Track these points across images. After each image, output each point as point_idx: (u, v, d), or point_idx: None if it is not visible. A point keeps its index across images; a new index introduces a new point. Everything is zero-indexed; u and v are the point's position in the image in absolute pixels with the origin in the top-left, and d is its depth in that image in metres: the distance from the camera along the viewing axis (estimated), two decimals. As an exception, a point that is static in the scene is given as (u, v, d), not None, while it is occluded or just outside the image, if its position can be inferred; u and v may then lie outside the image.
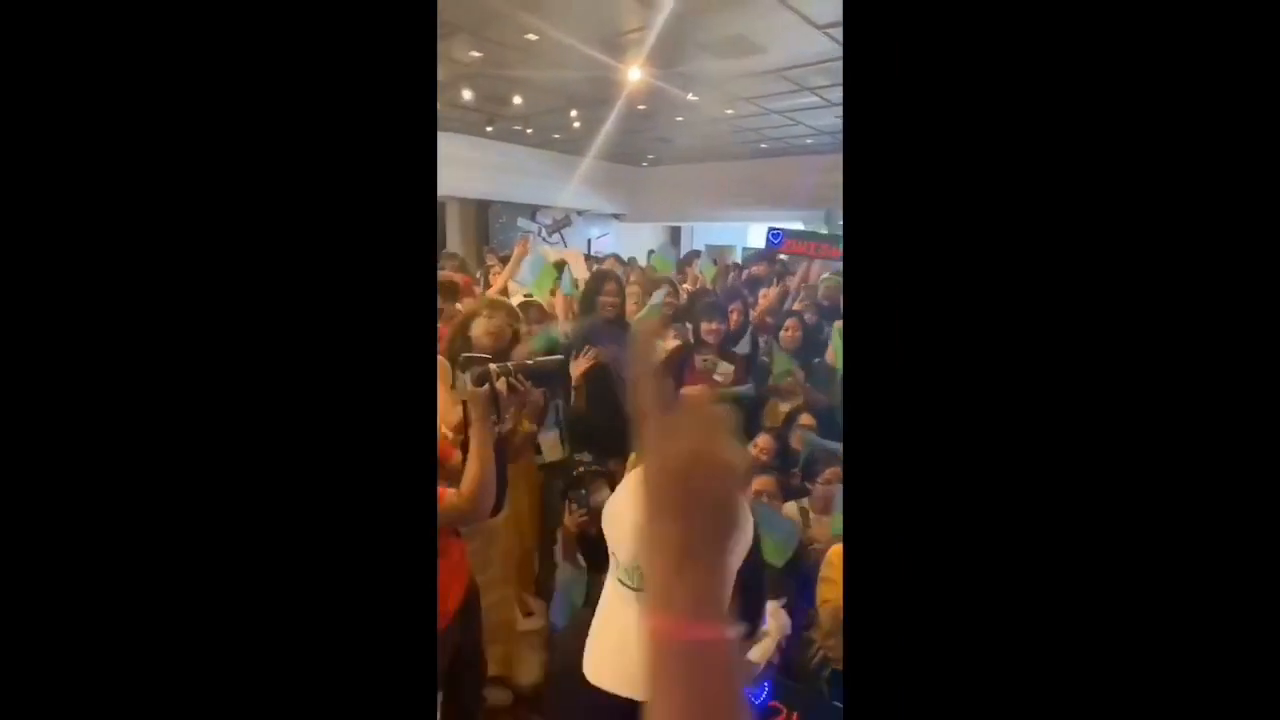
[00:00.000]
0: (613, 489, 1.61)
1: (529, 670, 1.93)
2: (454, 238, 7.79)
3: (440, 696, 1.46)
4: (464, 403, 1.39)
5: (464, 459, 1.24)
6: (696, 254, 6.78)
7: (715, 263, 4.83)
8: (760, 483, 1.68)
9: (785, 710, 1.01)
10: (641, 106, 5.31)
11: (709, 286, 3.88)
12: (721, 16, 3.35)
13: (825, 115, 5.25)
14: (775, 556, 1.33)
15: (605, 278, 2.37)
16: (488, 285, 3.57)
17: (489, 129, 6.49)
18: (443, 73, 4.52)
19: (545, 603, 1.96)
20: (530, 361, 1.32)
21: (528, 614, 2.04)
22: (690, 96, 4.94)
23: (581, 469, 1.62)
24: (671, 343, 2.58)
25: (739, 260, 6.48)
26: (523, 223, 8.28)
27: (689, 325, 2.69)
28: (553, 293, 2.79)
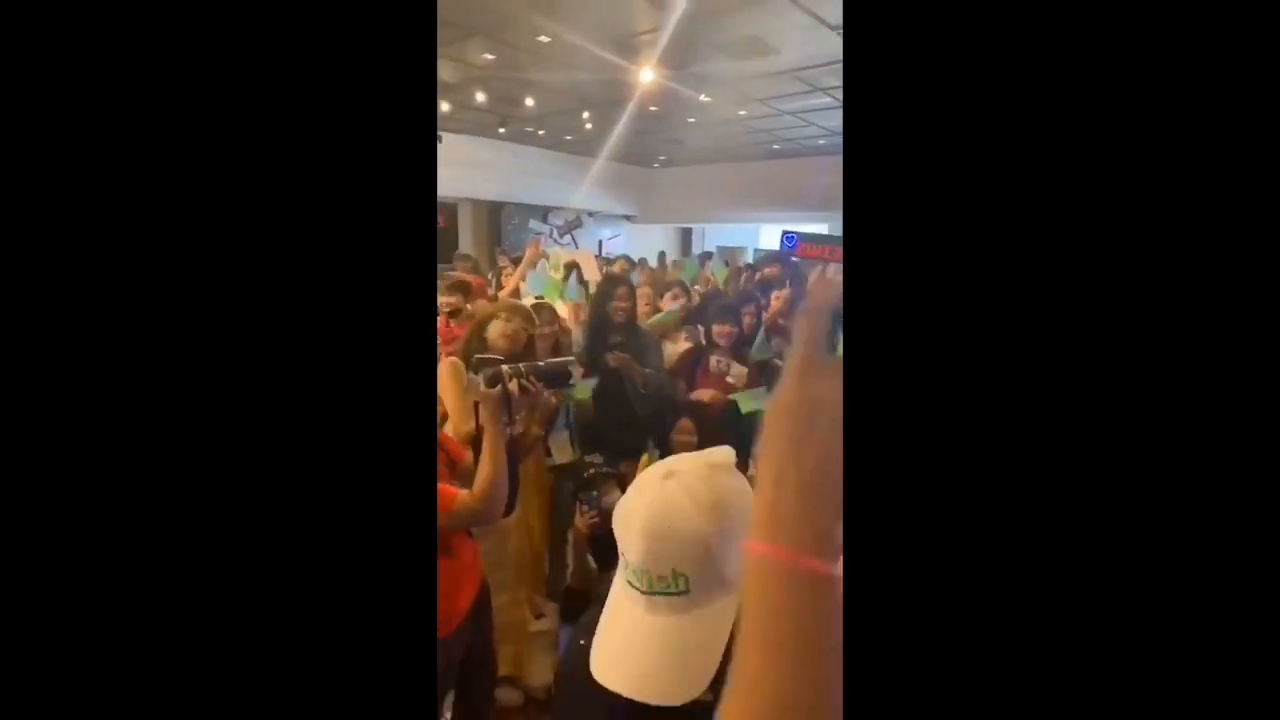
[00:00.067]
0: (623, 490, 1.61)
1: (540, 671, 1.93)
2: (466, 239, 7.85)
3: (451, 696, 1.47)
4: (476, 404, 1.39)
5: (476, 460, 1.24)
6: (708, 255, 6.78)
7: (727, 264, 4.82)
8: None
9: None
10: (654, 108, 5.31)
11: (721, 288, 3.87)
12: (734, 17, 3.35)
13: (838, 116, 5.23)
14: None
15: (616, 281, 2.37)
16: (499, 286, 3.59)
17: (501, 131, 6.53)
18: (456, 75, 4.56)
19: (556, 604, 1.97)
20: (542, 363, 1.33)
21: (539, 615, 2.05)
22: (703, 97, 4.94)
23: (592, 470, 1.62)
24: (683, 345, 2.58)
25: (751, 261, 6.46)
26: (534, 224, 8.31)
27: (700, 327, 2.68)
28: (560, 297, 2.80)
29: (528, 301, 2.44)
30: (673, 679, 0.52)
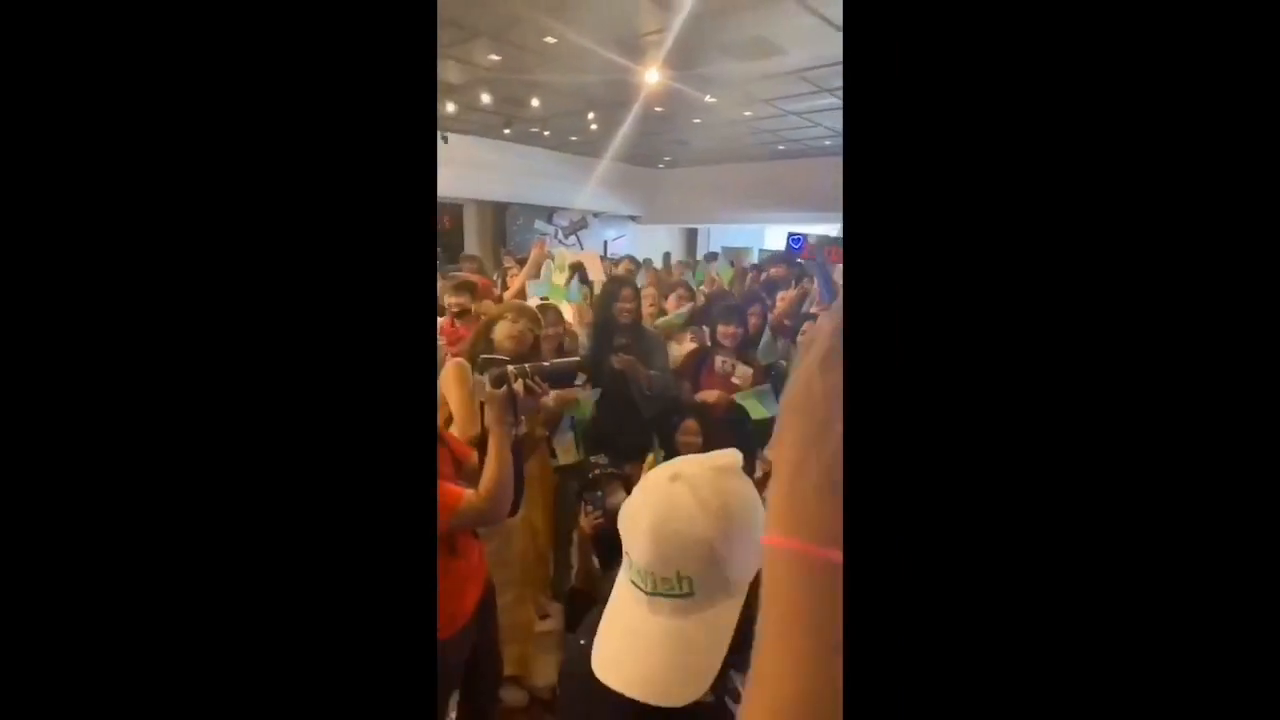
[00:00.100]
0: (628, 491, 1.61)
1: (545, 671, 1.94)
2: (471, 240, 7.87)
3: (456, 696, 1.47)
4: (482, 404, 1.40)
5: (481, 460, 1.24)
6: (714, 256, 6.77)
7: (732, 265, 4.82)
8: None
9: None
10: (659, 108, 5.32)
11: (726, 288, 3.87)
12: (740, 18, 3.35)
13: (844, 117, 5.22)
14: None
15: (621, 282, 2.37)
16: (505, 287, 3.60)
17: (507, 131, 6.55)
18: (462, 76, 4.57)
19: (561, 605, 1.97)
20: (547, 364, 1.33)
21: (544, 616, 2.05)
22: (708, 98, 4.94)
23: (597, 471, 1.62)
24: (688, 346, 2.58)
25: (756, 262, 6.45)
26: (540, 225, 8.33)
27: (705, 328, 2.68)
28: (563, 299, 2.80)
29: (533, 303, 2.45)
30: (673, 680, 0.52)
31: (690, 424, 1.99)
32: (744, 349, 2.32)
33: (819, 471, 0.29)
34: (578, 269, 3.11)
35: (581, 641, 0.63)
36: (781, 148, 7.07)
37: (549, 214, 8.55)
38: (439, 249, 6.69)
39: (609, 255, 6.63)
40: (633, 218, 9.63)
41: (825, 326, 0.32)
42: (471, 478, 1.31)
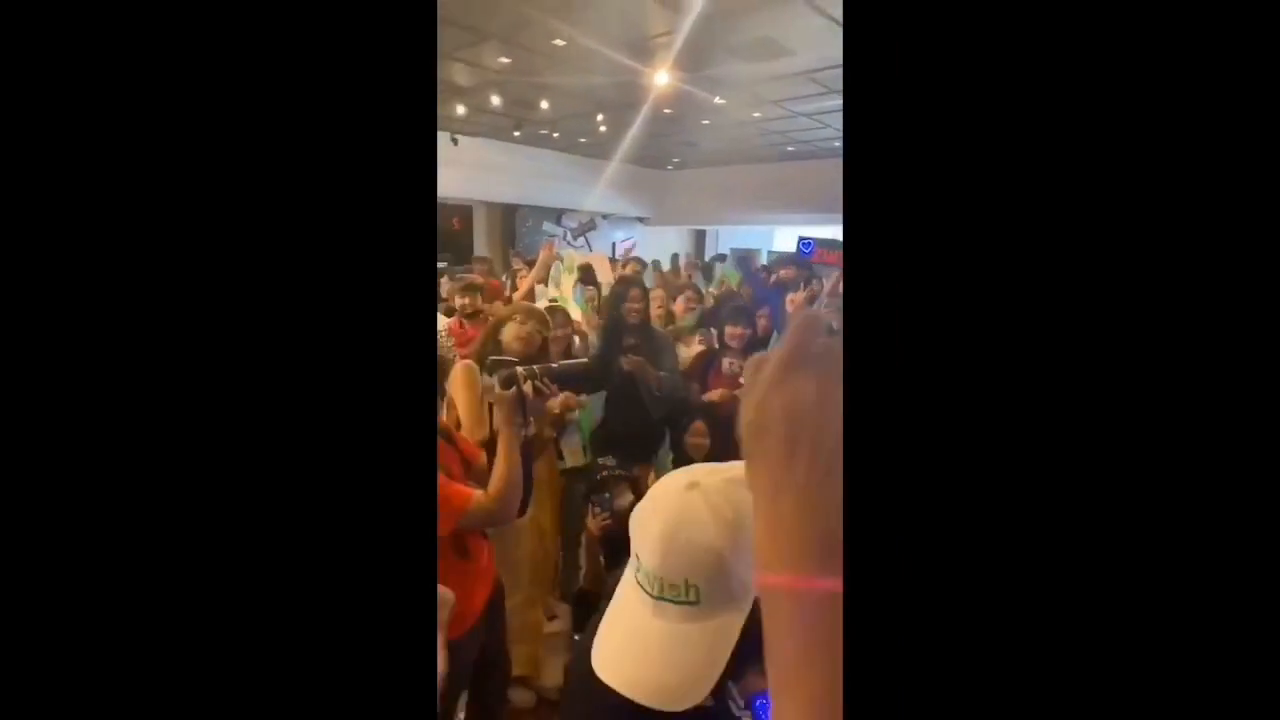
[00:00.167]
0: (635, 493, 1.62)
1: (553, 672, 1.94)
2: (480, 241, 7.90)
3: (465, 696, 1.48)
4: (490, 405, 1.40)
5: (490, 461, 1.25)
6: (722, 258, 6.76)
7: (740, 267, 4.81)
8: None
9: None
10: (668, 110, 5.32)
11: (735, 290, 3.86)
12: (749, 19, 3.34)
13: (853, 118, 5.20)
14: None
15: (629, 283, 2.37)
16: (514, 289, 3.61)
17: (516, 134, 6.57)
18: (471, 79, 4.59)
19: (568, 606, 1.97)
20: (556, 365, 1.34)
21: (551, 618, 2.06)
22: (717, 100, 4.94)
23: (605, 473, 1.63)
24: (696, 348, 2.58)
25: (765, 264, 6.44)
26: (549, 226, 8.36)
27: (713, 330, 2.68)
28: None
29: (542, 304, 2.45)
30: (672, 684, 0.52)
31: (699, 425, 1.99)
32: (752, 350, 2.31)
33: (795, 489, 0.28)
34: (586, 271, 3.12)
35: (575, 637, 0.63)
36: (790, 149, 7.05)
37: (558, 216, 8.57)
38: (449, 251, 6.73)
39: (617, 257, 6.65)
40: (641, 219, 9.64)
41: (771, 356, 0.31)
42: (480, 478, 1.31)
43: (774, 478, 0.29)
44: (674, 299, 3.17)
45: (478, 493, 1.20)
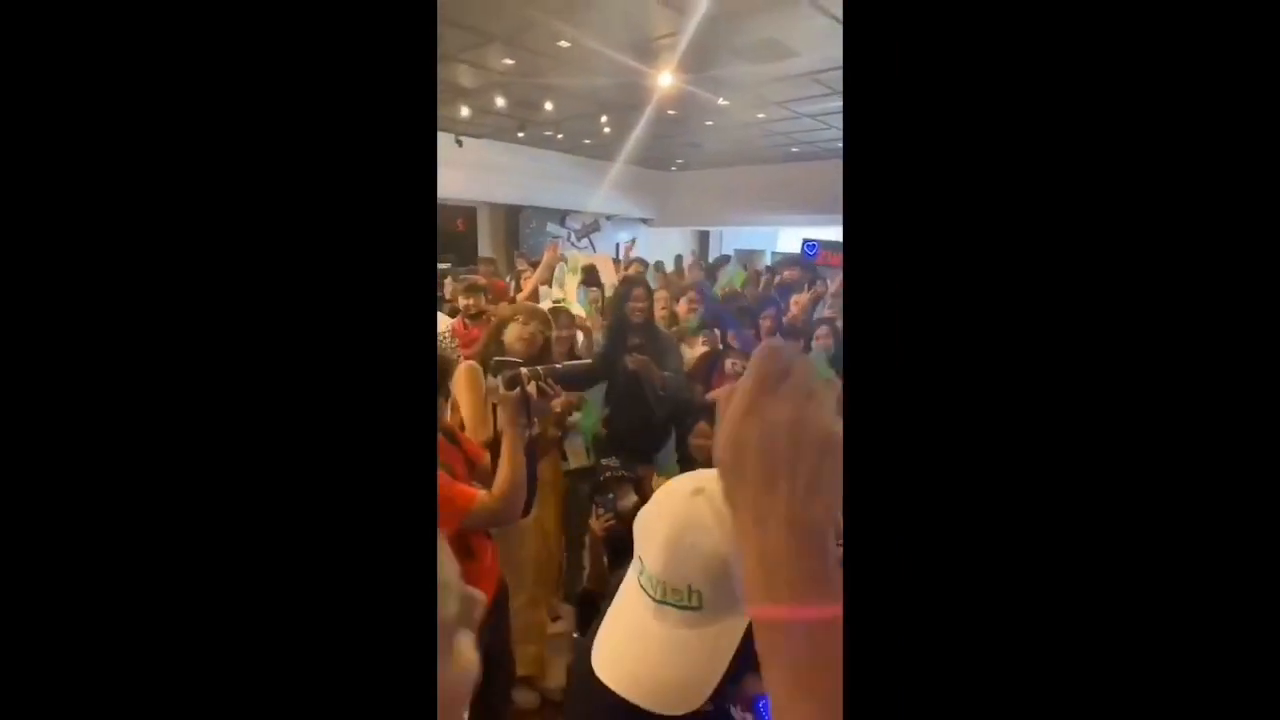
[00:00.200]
0: (639, 494, 1.62)
1: (556, 673, 1.94)
2: (484, 242, 7.91)
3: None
4: (494, 406, 1.41)
5: (494, 461, 1.25)
6: (726, 259, 6.75)
7: (745, 268, 4.81)
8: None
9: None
10: (671, 111, 5.32)
11: (739, 291, 3.86)
12: (754, 21, 3.34)
13: (858, 118, 5.19)
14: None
15: (633, 283, 2.38)
16: (518, 290, 3.62)
17: (520, 135, 6.59)
18: (476, 80, 4.61)
19: (572, 607, 1.98)
20: (559, 365, 1.34)
21: (555, 618, 2.06)
22: (721, 101, 4.94)
23: (609, 474, 1.63)
24: (700, 349, 2.58)
25: (769, 265, 6.43)
26: (553, 227, 8.37)
27: (717, 331, 2.68)
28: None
29: (546, 305, 2.46)
30: (671, 688, 0.52)
31: (703, 427, 1.99)
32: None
33: (778, 518, 0.28)
34: (590, 272, 3.12)
35: (574, 635, 0.63)
36: (795, 150, 7.05)
37: (562, 217, 8.58)
38: (453, 252, 6.75)
39: (621, 258, 6.65)
40: (645, 220, 9.64)
41: (737, 389, 0.31)
42: (485, 479, 1.32)
43: (756, 511, 0.29)
44: (677, 300, 3.17)
45: (482, 493, 1.20)
